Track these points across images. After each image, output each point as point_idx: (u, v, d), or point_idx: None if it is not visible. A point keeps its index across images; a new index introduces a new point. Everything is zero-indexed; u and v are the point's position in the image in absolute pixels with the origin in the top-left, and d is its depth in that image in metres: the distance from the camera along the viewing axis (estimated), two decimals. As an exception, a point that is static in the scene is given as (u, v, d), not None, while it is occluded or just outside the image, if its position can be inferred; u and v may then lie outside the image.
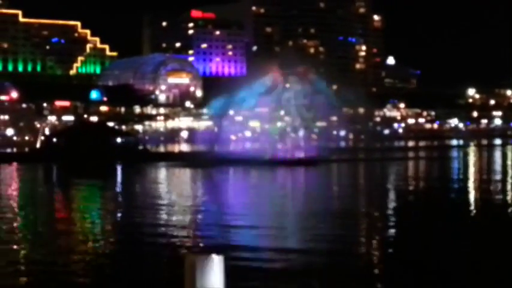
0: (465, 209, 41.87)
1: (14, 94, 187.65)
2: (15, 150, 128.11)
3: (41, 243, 30.56)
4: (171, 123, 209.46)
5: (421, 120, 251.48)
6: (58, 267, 25.08)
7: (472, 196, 50.26)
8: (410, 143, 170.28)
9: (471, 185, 60.43)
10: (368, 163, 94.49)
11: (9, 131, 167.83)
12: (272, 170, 76.91)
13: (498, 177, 67.28)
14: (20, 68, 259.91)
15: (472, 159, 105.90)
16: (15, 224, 37.00)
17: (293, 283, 22.30)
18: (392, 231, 33.97)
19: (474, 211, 41.59)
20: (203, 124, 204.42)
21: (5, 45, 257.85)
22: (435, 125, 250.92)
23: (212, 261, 10.80)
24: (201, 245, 29.65)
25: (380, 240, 30.71)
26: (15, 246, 29.61)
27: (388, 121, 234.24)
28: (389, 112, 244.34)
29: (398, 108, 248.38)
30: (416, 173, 78.67)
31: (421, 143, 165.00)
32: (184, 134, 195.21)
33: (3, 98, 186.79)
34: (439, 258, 25.79)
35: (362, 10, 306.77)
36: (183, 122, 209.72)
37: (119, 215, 41.44)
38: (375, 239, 31.47)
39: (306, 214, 38.99)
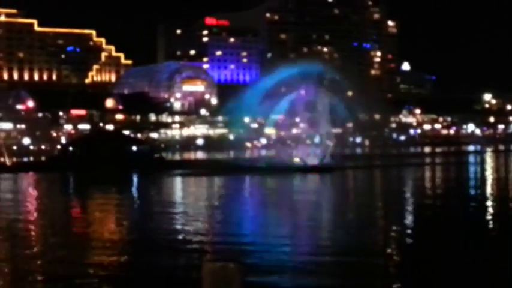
0: (485, 218, 41.41)
1: (30, 103, 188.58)
2: (31, 159, 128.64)
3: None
4: (187, 131, 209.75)
5: (437, 126, 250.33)
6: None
7: (491, 204, 49.68)
8: (427, 149, 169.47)
9: (490, 191, 59.81)
10: (384, 169, 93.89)
11: (26, 140, 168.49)
12: (288, 177, 76.63)
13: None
14: (36, 77, 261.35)
15: (489, 164, 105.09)
16: (32, 233, 37.00)
17: None
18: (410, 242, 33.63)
19: (493, 220, 41.11)
20: (218, 131, 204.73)
21: (21, 55, 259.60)
22: (451, 131, 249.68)
23: (229, 270, 10.69)
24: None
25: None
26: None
27: (404, 127, 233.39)
28: (405, 118, 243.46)
29: (414, 114, 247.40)
30: (434, 179, 78.08)
31: (438, 149, 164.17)
32: (199, 142, 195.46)
33: (20, 107, 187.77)
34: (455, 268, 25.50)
35: (376, 16, 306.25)
36: (199, 130, 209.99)
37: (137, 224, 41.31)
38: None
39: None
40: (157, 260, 27.85)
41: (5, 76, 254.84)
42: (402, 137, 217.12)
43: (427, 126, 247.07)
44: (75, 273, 25.15)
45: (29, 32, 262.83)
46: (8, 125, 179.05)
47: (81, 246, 31.81)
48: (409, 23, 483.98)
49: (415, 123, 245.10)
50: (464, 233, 33.92)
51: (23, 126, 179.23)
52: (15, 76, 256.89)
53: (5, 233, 36.65)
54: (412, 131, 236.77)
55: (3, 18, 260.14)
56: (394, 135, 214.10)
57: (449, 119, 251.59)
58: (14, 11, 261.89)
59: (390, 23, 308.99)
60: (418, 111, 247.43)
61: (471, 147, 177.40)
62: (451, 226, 36.89)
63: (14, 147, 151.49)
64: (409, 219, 41.12)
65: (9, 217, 44.02)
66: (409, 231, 35.78)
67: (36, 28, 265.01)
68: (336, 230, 36.01)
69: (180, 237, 34.21)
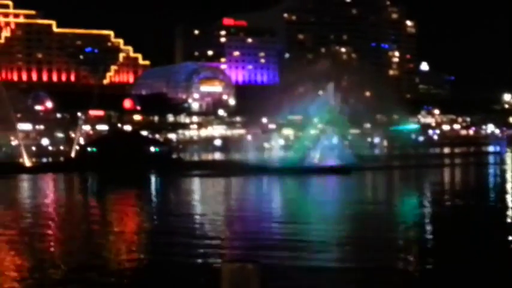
0: (505, 221, 40.87)
1: (49, 104, 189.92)
2: (50, 160, 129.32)
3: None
4: (204, 132, 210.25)
5: (456, 126, 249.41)
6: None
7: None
8: (446, 150, 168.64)
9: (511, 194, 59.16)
10: (403, 171, 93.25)
11: (45, 141, 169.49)
12: (307, 178, 76.32)
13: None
14: (54, 78, 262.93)
15: (510, 165, 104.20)
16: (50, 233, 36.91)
17: None
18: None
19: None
20: (236, 132, 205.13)
21: (40, 56, 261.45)
22: (471, 131, 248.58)
23: (248, 270, 10.66)
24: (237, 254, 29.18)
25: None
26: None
27: (423, 128, 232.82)
28: (423, 119, 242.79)
29: (433, 115, 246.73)
30: (454, 181, 77.47)
31: (457, 150, 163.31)
32: (217, 142, 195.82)
33: (39, 108, 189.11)
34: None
35: (395, 16, 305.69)
36: (216, 131, 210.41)
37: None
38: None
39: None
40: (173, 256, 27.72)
41: (24, 77, 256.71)
42: (421, 138, 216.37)
43: (446, 127, 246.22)
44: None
45: (47, 33, 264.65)
46: (27, 126, 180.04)
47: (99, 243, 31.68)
48: (427, 22, 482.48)
49: (433, 124, 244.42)
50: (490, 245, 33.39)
51: (41, 127, 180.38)
52: (34, 77, 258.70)
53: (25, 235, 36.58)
54: (430, 132, 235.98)
55: (22, 19, 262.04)
56: (413, 136, 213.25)
57: (468, 119, 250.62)
58: (32, 12, 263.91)
59: (409, 22, 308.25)
60: (436, 111, 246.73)
61: (491, 148, 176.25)
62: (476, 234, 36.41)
63: (33, 148, 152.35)
64: (434, 229, 40.61)
65: (29, 217, 44.01)
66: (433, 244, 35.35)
67: (55, 29, 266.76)
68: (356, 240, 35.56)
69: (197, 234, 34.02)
